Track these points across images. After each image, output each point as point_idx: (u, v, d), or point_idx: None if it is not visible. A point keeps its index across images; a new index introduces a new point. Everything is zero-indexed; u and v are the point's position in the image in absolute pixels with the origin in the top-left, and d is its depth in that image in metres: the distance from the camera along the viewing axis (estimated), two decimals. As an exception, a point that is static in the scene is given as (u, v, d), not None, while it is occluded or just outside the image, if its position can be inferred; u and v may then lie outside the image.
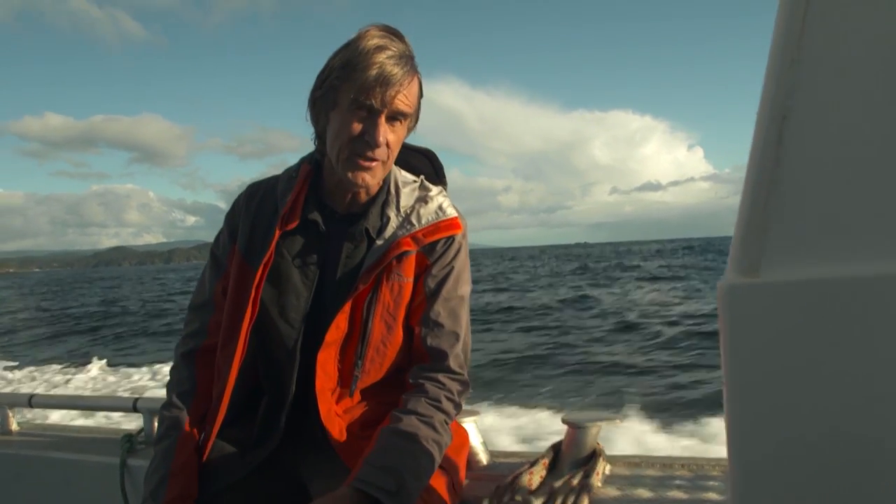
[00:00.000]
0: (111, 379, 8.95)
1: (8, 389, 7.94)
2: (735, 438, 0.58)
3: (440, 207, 1.25)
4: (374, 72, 1.09)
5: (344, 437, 1.20)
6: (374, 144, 1.13)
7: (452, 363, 1.22)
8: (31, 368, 10.57)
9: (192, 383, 1.26)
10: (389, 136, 1.15)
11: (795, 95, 0.56)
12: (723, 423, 0.60)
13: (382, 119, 1.14)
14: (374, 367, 1.23)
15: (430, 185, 1.30)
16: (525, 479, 1.37)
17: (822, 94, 0.56)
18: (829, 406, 0.55)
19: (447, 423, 1.19)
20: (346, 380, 1.23)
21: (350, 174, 1.16)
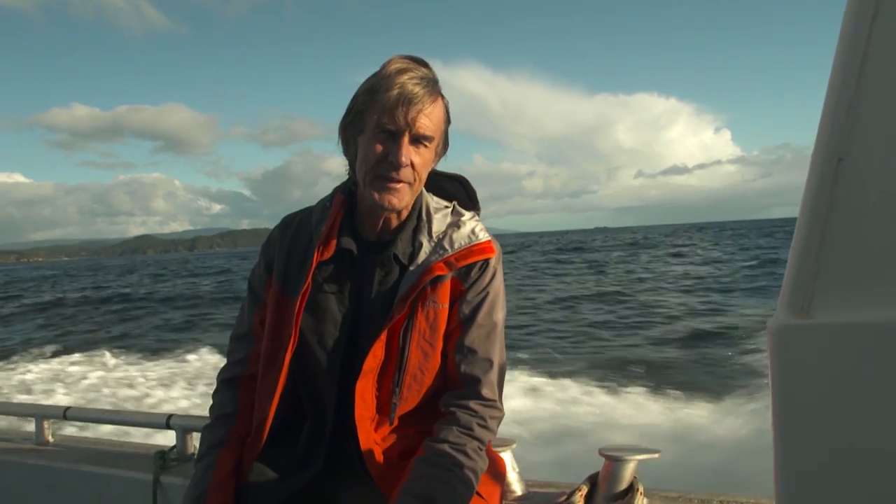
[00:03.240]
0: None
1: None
2: (784, 481, 0.57)
3: (473, 231, 1.25)
4: (395, 91, 1.12)
5: (383, 466, 1.21)
6: (398, 164, 1.15)
7: (485, 390, 1.22)
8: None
9: (234, 406, 1.29)
10: (414, 157, 1.17)
11: (852, 138, 0.56)
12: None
13: (405, 140, 1.15)
14: (413, 395, 1.24)
15: (463, 211, 1.30)
16: (561, 511, 1.36)
17: (879, 136, 0.56)
18: (881, 452, 0.54)
19: (481, 450, 1.19)
20: (384, 408, 1.23)
21: (377, 196, 1.17)
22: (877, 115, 0.56)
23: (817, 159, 0.57)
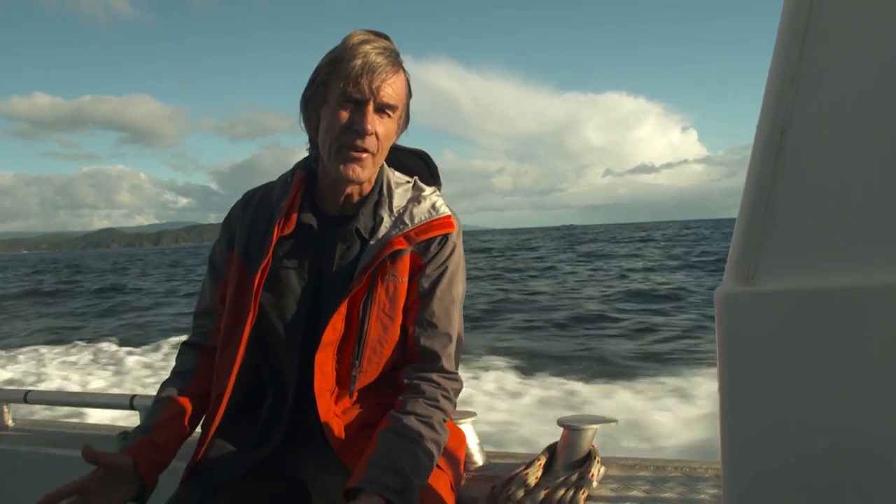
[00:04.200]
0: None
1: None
2: (730, 449, 0.59)
3: (433, 206, 1.26)
4: (359, 61, 1.13)
5: (343, 437, 1.21)
6: (363, 132, 1.15)
7: (445, 363, 1.24)
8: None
9: (193, 364, 1.30)
10: (378, 127, 1.17)
11: (794, 110, 0.58)
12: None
13: (370, 108, 1.16)
14: (372, 367, 1.25)
15: (424, 186, 1.31)
16: (520, 480, 1.38)
17: (820, 109, 0.57)
18: (826, 418, 0.55)
19: (444, 423, 1.21)
20: (344, 380, 1.24)
21: (341, 167, 1.17)
22: (818, 87, 0.57)
23: (761, 131, 0.59)
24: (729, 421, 0.59)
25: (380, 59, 1.14)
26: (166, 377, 1.32)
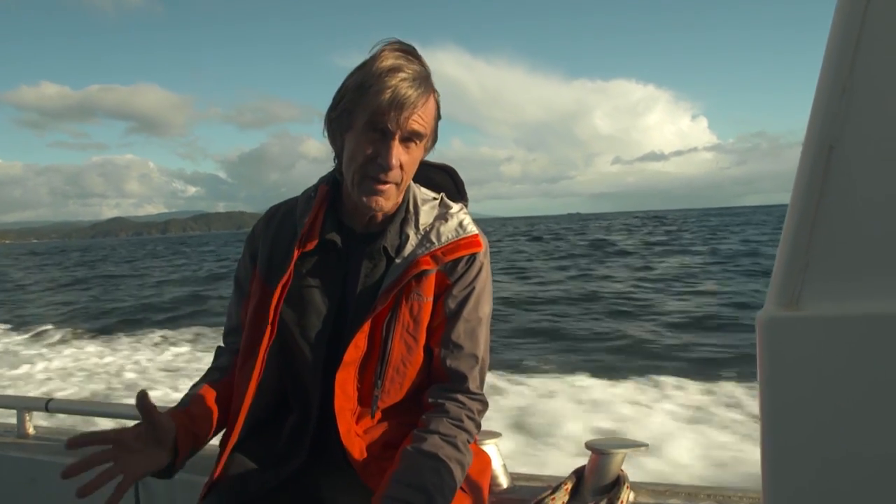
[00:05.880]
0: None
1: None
2: (771, 474, 0.56)
3: (461, 224, 1.24)
4: (387, 95, 1.08)
5: (364, 458, 1.20)
6: (387, 167, 1.12)
7: (472, 384, 1.21)
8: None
9: (229, 362, 1.30)
10: (403, 157, 1.14)
11: (844, 126, 0.54)
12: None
13: (396, 142, 1.13)
14: (395, 388, 1.23)
15: (451, 203, 1.29)
16: (547, 504, 1.35)
17: (872, 123, 0.54)
18: (873, 448, 0.53)
19: (469, 443, 1.19)
20: (366, 400, 1.22)
21: (364, 198, 1.15)
22: (870, 102, 0.54)
23: (808, 146, 0.56)
24: (771, 449, 0.56)
25: (410, 93, 1.10)
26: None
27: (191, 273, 27.57)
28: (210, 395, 1.24)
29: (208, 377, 1.30)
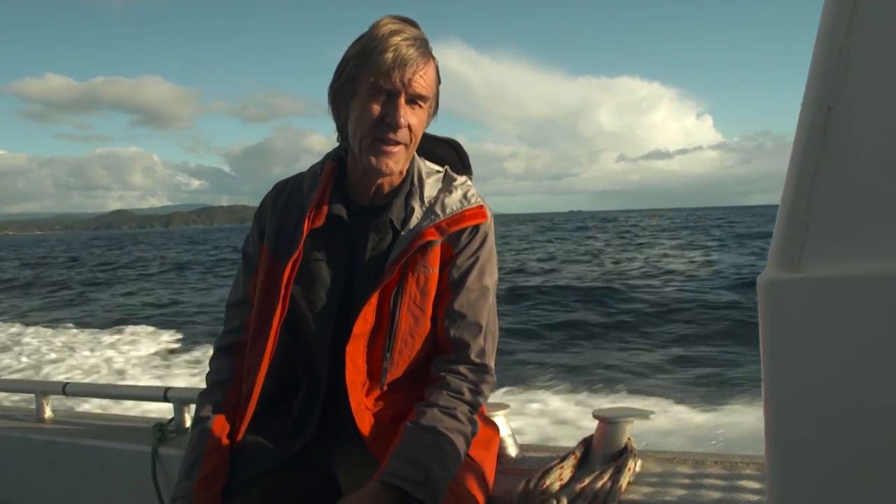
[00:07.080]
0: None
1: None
2: (775, 442, 0.56)
3: (465, 196, 1.25)
4: (390, 54, 1.11)
5: (374, 430, 1.21)
6: (396, 125, 1.14)
7: (474, 354, 1.22)
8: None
9: (230, 373, 1.29)
10: (411, 118, 1.16)
11: (842, 86, 0.54)
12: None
13: (402, 101, 1.15)
14: (403, 360, 1.24)
15: (455, 175, 1.30)
16: (555, 473, 1.36)
17: (869, 86, 0.54)
18: (877, 410, 0.53)
19: (471, 413, 1.20)
20: (375, 372, 1.24)
21: (374, 159, 1.16)
22: (867, 64, 0.54)
23: (806, 108, 0.56)
24: (774, 413, 0.56)
25: (411, 52, 1.12)
26: (203, 388, 1.32)
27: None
28: (218, 433, 1.23)
29: (209, 403, 1.27)
